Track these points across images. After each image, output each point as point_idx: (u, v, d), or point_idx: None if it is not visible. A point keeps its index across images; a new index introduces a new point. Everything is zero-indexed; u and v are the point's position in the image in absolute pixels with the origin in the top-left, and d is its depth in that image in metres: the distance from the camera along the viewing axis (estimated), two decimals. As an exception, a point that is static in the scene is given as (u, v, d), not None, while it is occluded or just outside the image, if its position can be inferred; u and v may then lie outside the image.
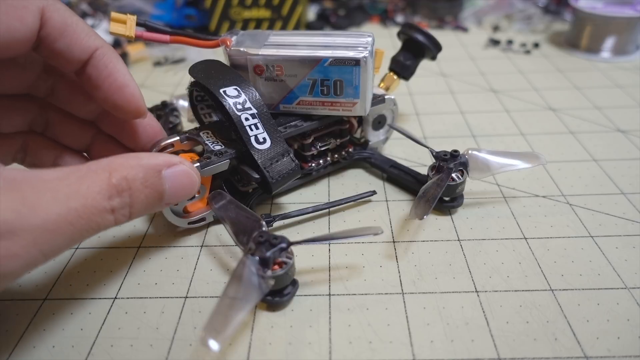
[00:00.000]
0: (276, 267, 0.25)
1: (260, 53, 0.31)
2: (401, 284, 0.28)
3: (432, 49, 0.38)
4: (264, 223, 0.27)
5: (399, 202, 0.35)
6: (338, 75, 0.31)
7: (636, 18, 0.56)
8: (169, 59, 0.62)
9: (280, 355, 0.24)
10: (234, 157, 0.31)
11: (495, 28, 0.69)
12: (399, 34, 0.40)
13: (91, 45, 0.25)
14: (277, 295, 0.26)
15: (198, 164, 0.29)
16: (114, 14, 0.30)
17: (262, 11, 0.66)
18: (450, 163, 0.32)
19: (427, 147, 0.35)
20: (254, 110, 0.30)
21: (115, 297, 0.28)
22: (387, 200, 0.35)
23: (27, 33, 0.22)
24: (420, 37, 0.38)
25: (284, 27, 0.67)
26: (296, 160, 0.31)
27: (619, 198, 0.35)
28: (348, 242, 0.32)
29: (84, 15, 0.63)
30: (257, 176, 0.30)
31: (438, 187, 0.30)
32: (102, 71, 0.26)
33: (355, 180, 0.38)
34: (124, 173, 0.22)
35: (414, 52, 0.39)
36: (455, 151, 0.33)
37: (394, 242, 0.31)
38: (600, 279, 0.28)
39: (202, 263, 0.30)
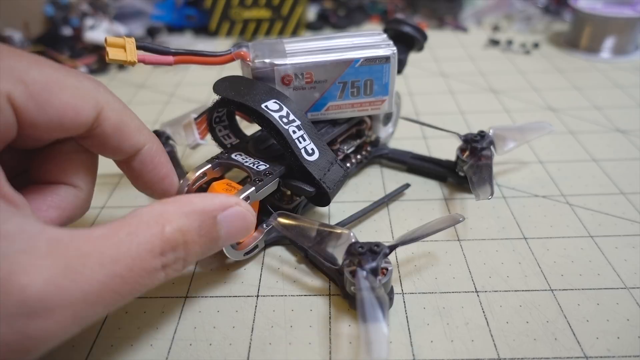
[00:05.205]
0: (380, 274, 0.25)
1: (288, 62, 0.30)
2: (401, 283, 0.28)
3: (420, 39, 0.39)
4: (352, 234, 0.26)
5: (397, 203, 0.35)
6: (369, 74, 0.32)
7: (636, 18, 0.56)
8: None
9: (280, 355, 0.24)
10: (283, 174, 0.29)
11: (495, 28, 0.69)
12: (385, 31, 0.40)
13: (140, 141, 0.25)
14: None
15: (252, 188, 0.27)
16: (109, 39, 0.27)
17: (262, 11, 0.66)
18: (482, 142, 0.34)
19: (452, 132, 0.36)
20: (298, 122, 0.29)
21: (116, 297, 0.28)
22: (386, 201, 0.35)
23: (76, 127, 0.22)
24: (409, 30, 0.38)
25: (284, 28, 0.67)
26: (343, 166, 0.31)
27: (618, 198, 0.35)
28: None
29: (83, 15, 0.63)
30: (311, 189, 0.29)
31: (487, 166, 0.33)
32: (147, 165, 0.26)
33: (356, 182, 0.38)
34: (179, 224, 0.20)
35: (404, 45, 0.39)
36: (482, 131, 0.35)
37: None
38: (600, 279, 0.28)
39: (203, 263, 0.30)
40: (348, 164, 0.36)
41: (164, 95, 0.53)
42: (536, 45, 0.63)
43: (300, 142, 0.29)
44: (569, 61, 0.59)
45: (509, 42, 0.64)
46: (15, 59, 0.20)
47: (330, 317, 0.26)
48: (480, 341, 0.25)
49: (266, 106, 0.29)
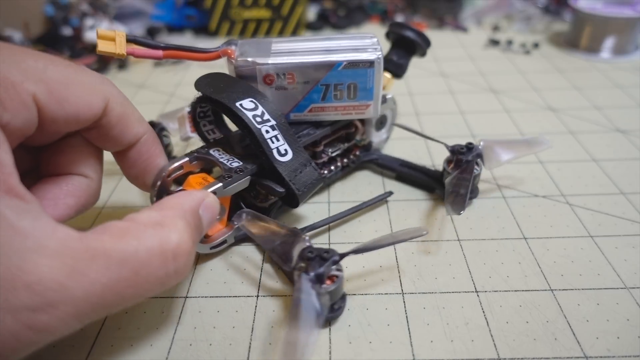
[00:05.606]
0: (328, 282, 0.25)
1: (270, 62, 0.30)
2: (401, 284, 0.28)
3: (422, 44, 0.38)
4: (307, 237, 0.26)
5: (397, 202, 0.35)
6: (352, 78, 0.31)
7: (636, 18, 0.56)
8: (170, 59, 0.62)
9: (280, 355, 0.24)
10: (255, 172, 0.30)
11: (495, 28, 0.69)
12: (387, 34, 0.39)
13: (140, 131, 0.26)
14: (328, 311, 0.25)
15: (220, 184, 0.28)
16: (100, 31, 0.28)
17: (262, 11, 0.66)
18: (468, 155, 0.33)
19: (440, 142, 0.35)
20: (273, 122, 0.29)
21: (116, 297, 0.28)
22: (386, 201, 0.35)
23: (89, 118, 0.23)
24: (410, 34, 0.38)
25: (284, 28, 0.67)
26: (318, 169, 0.31)
27: (618, 198, 0.35)
28: (347, 242, 0.32)
29: (83, 15, 0.63)
30: (281, 190, 0.29)
31: (466, 180, 0.31)
32: (143, 154, 0.27)
33: (355, 183, 0.38)
34: (183, 227, 0.21)
35: (405, 50, 0.39)
36: (470, 143, 0.34)
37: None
38: (600, 278, 0.28)
39: (202, 263, 0.30)
40: (332, 167, 0.35)
41: (164, 95, 0.53)
42: (536, 45, 0.63)
43: (273, 142, 0.29)
44: (569, 61, 0.59)
45: (509, 42, 0.64)
46: (34, 59, 0.21)
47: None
48: (480, 341, 0.25)
49: (241, 104, 0.29)
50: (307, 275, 0.24)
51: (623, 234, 0.31)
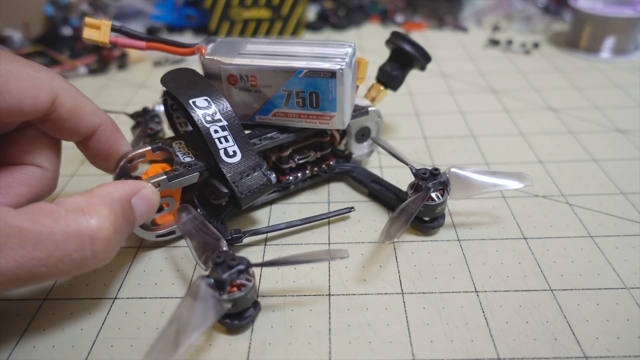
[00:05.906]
0: (234, 289, 0.24)
1: (233, 62, 0.30)
2: (401, 284, 0.28)
3: (420, 59, 0.37)
4: (224, 243, 0.26)
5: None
6: (314, 87, 0.30)
7: (636, 18, 0.56)
8: (170, 59, 0.62)
9: (280, 355, 0.24)
10: (204, 169, 0.30)
11: (495, 28, 0.69)
12: (387, 43, 0.38)
13: (95, 122, 0.27)
14: (236, 319, 0.25)
15: (165, 176, 0.28)
16: (88, 20, 0.29)
17: (262, 11, 0.66)
18: (429, 182, 0.30)
19: (407, 164, 0.32)
20: (224, 123, 0.29)
21: (115, 297, 0.28)
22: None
23: (35, 111, 0.24)
24: (408, 48, 0.36)
25: (283, 28, 0.67)
26: (269, 175, 0.30)
27: (618, 198, 0.35)
28: (347, 242, 0.32)
29: (83, 15, 0.63)
30: (226, 190, 0.29)
31: (415, 205, 0.29)
32: (103, 144, 0.28)
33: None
34: (106, 214, 0.22)
35: (402, 62, 0.38)
36: (436, 169, 0.31)
37: (393, 241, 0.31)
38: (600, 279, 0.28)
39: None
40: (299, 174, 0.35)
41: (164, 95, 0.53)
42: (536, 45, 0.63)
43: (222, 143, 0.29)
44: (569, 61, 0.59)
45: (509, 42, 0.64)
46: None
47: (329, 317, 0.26)
48: (480, 341, 0.25)
49: (194, 102, 0.29)
50: (207, 279, 0.24)
51: (623, 234, 0.31)
